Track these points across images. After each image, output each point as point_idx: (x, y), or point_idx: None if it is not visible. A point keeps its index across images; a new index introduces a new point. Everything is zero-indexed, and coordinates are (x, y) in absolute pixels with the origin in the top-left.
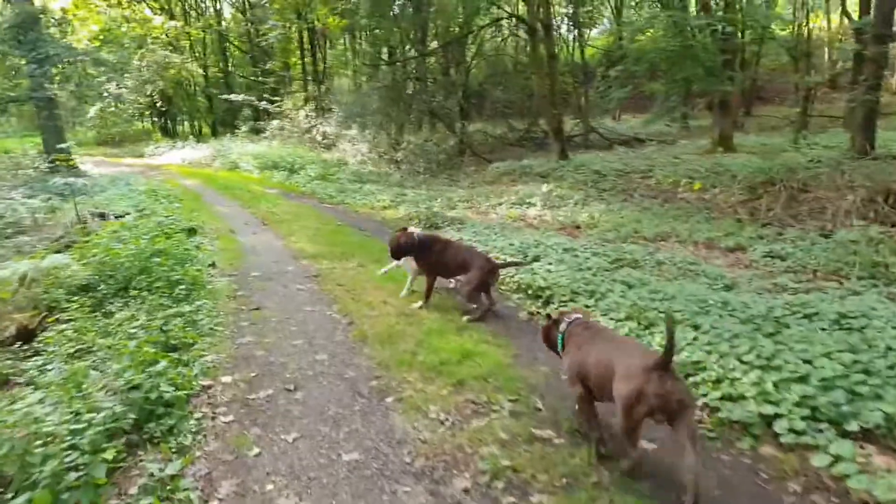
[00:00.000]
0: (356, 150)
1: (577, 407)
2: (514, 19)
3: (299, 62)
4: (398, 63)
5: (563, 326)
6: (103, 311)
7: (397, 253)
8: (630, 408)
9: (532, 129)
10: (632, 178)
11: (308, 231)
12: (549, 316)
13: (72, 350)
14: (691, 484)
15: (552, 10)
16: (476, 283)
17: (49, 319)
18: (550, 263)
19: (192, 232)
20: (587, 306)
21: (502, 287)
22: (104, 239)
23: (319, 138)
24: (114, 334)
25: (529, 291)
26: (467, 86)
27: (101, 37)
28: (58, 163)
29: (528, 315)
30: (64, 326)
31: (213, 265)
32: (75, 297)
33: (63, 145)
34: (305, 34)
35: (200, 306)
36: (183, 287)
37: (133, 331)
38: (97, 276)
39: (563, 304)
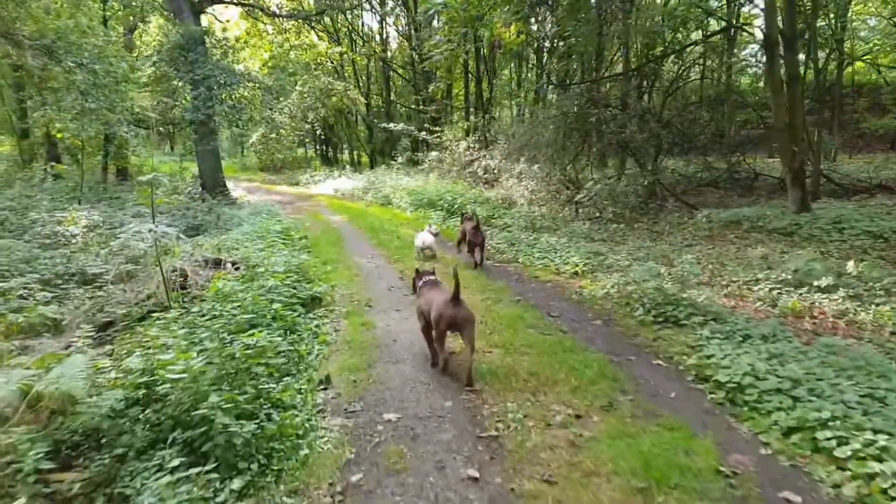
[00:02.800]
0: (524, 188)
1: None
2: (741, 31)
3: (462, 91)
4: (596, 81)
5: (420, 282)
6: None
7: None
8: (437, 324)
9: (735, 168)
10: None
11: (477, 312)
12: (417, 270)
13: None
14: (468, 367)
15: (798, 19)
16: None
17: None
18: None
19: (314, 301)
20: None
21: None
22: (170, 326)
23: (481, 172)
24: None
25: None
26: (661, 114)
27: (270, 63)
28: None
29: None
30: None
31: (325, 382)
32: (72, 453)
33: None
34: (472, 60)
35: None
36: (253, 461)
37: None
38: (123, 411)
39: None
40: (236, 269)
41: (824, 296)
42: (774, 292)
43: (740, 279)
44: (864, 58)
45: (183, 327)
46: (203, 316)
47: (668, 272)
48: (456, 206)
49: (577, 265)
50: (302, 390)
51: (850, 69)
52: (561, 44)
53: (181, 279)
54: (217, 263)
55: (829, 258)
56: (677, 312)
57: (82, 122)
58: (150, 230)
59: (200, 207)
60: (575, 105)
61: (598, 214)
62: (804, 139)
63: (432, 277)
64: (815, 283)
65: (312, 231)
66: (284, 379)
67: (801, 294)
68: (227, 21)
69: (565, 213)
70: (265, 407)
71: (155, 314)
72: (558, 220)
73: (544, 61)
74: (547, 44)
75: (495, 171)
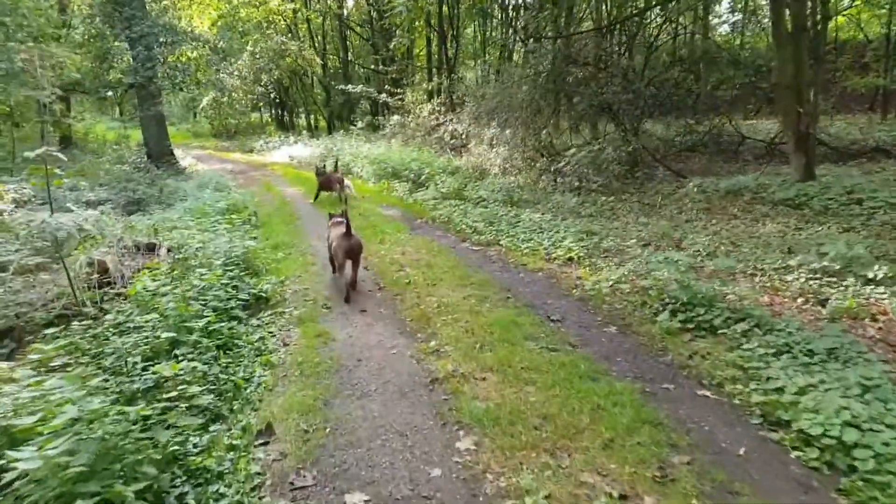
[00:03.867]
0: (496, 155)
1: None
2: None
3: (424, 51)
4: (574, 35)
5: (330, 221)
6: None
7: None
8: (337, 253)
9: (717, 131)
10: None
11: (460, 316)
12: (330, 214)
13: None
14: (351, 281)
15: None
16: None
17: None
18: None
19: (260, 301)
20: None
21: None
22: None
23: (448, 138)
24: None
25: None
26: (644, 73)
27: (219, 23)
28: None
29: None
30: None
31: (266, 433)
32: None
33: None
34: (434, 18)
35: None
36: None
37: None
38: None
39: None
40: (170, 253)
41: (881, 290)
42: (814, 283)
43: (766, 266)
44: (846, 12)
45: (58, 377)
46: (117, 326)
47: (681, 258)
48: (423, 176)
49: (570, 249)
50: (234, 446)
51: (831, 24)
52: None
53: (99, 273)
54: (151, 249)
55: (856, 236)
56: (710, 316)
57: (8, 86)
58: (42, 221)
59: (143, 179)
60: (549, 63)
61: (578, 184)
62: (809, 99)
63: (339, 219)
64: (868, 275)
65: (264, 206)
66: (211, 428)
67: (846, 287)
68: None
69: (544, 184)
70: (178, 481)
71: (57, 325)
72: (538, 191)
73: (510, 16)
74: None
75: (463, 137)
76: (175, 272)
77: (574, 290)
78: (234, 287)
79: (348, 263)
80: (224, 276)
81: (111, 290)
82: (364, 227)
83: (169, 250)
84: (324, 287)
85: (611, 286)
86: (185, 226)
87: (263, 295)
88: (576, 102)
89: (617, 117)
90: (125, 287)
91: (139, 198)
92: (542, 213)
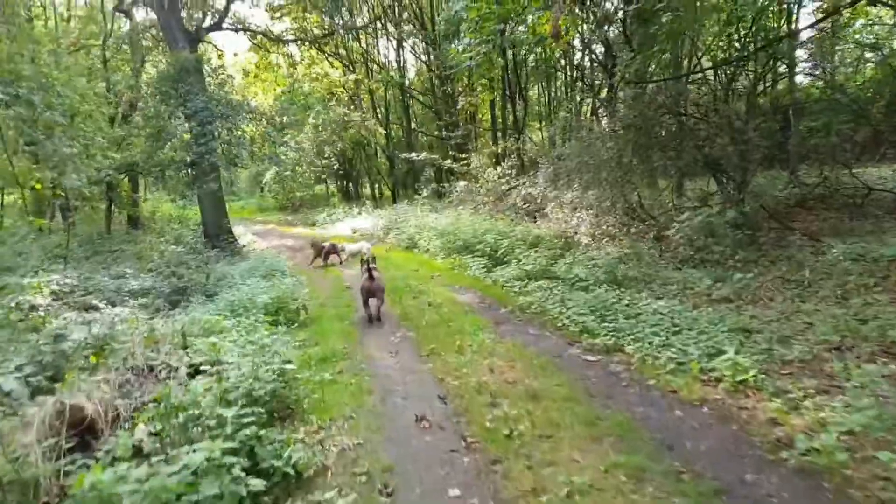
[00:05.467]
0: (580, 220)
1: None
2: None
3: (488, 114)
4: (677, 79)
5: (363, 268)
6: None
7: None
8: (362, 292)
9: (833, 182)
10: None
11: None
12: (362, 260)
13: None
14: (376, 311)
15: None
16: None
17: None
18: None
19: (287, 482)
20: None
21: None
22: None
23: (521, 203)
24: None
25: None
26: (748, 121)
27: (282, 98)
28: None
29: None
30: None
31: None
32: None
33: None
34: (498, 84)
35: None
36: None
37: None
38: None
39: None
40: (194, 374)
41: None
42: None
43: None
44: None
45: None
46: None
47: None
48: (501, 250)
49: (737, 365)
50: None
51: None
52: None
53: (72, 426)
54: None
55: None
56: None
57: (64, 170)
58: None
59: (193, 262)
60: (637, 114)
61: (692, 254)
62: None
63: (366, 266)
64: None
65: (318, 294)
66: None
67: None
68: (236, 55)
69: (648, 256)
70: None
71: None
72: (643, 265)
73: (578, 75)
74: (610, 32)
75: (538, 200)
76: (164, 432)
77: (780, 451)
78: (247, 466)
79: (373, 301)
80: (234, 439)
81: (96, 443)
82: (436, 323)
83: (195, 369)
84: (383, 439)
85: (836, 442)
86: (220, 329)
87: (294, 470)
88: (673, 158)
89: (726, 173)
90: (116, 435)
91: (184, 285)
92: (666, 299)
